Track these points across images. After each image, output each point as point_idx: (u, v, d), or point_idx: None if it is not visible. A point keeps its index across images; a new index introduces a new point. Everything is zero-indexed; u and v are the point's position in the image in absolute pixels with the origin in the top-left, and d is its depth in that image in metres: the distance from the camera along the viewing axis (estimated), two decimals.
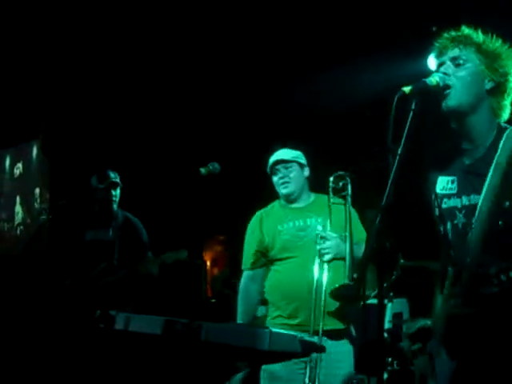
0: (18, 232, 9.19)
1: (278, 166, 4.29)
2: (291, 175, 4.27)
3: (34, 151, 9.02)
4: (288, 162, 4.29)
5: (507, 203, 2.50)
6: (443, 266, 2.65)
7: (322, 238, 4.05)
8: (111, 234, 5.36)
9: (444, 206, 2.67)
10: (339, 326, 4.04)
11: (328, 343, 3.82)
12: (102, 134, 7.88)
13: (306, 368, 3.88)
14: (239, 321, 4.23)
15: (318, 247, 4.03)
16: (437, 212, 2.70)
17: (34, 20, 6.82)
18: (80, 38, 6.97)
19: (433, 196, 2.73)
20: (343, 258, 3.97)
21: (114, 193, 5.39)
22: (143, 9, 6.53)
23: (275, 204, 4.42)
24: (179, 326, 2.60)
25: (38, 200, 8.74)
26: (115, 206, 5.43)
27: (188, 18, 6.62)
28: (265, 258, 4.29)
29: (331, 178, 4.21)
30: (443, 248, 2.67)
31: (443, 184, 2.70)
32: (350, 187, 4.19)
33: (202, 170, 3.86)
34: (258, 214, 4.42)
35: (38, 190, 8.82)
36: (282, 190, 4.28)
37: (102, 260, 5.25)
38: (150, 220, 5.68)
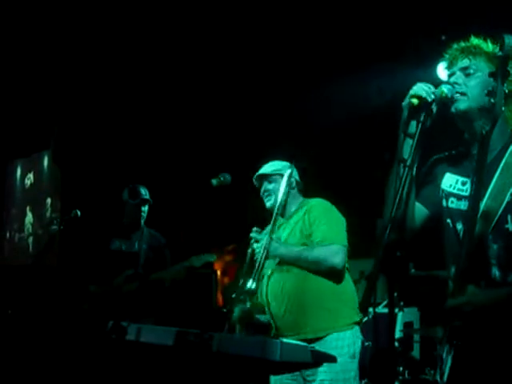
0: (29, 242, 9.23)
1: (262, 181, 4.25)
2: (275, 188, 4.18)
3: (45, 161, 9.07)
4: (269, 176, 4.23)
5: None
6: (450, 261, 2.63)
7: (252, 238, 4.06)
8: (137, 246, 5.47)
9: (451, 205, 2.65)
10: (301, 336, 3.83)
11: None
12: (112, 144, 7.91)
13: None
14: None
15: (254, 247, 4.03)
16: (444, 203, 2.68)
17: (45, 31, 6.87)
18: (91, 48, 7.00)
19: (437, 189, 2.72)
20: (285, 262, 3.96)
21: (143, 209, 5.51)
22: (161, 19, 6.56)
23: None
24: (190, 336, 2.60)
25: (49, 210, 8.78)
26: (142, 222, 5.56)
27: (198, 29, 6.64)
28: None
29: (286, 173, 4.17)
30: (451, 243, 2.64)
31: (451, 182, 2.68)
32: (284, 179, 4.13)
33: (214, 181, 3.88)
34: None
35: (49, 200, 8.87)
36: (267, 205, 4.21)
37: (127, 269, 5.34)
38: (161, 230, 5.71)
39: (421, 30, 6.05)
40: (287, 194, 4.18)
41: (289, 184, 4.18)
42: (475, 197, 2.45)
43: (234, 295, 4.01)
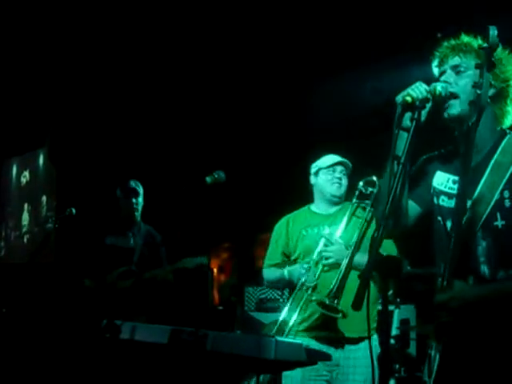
0: (25, 240, 9.21)
1: (338, 167, 4.34)
2: (344, 181, 4.34)
3: (41, 159, 9.04)
4: (347, 169, 4.37)
5: (508, 202, 2.48)
6: (440, 258, 2.62)
7: (326, 239, 4.12)
8: (132, 242, 5.47)
9: (442, 203, 2.65)
10: (352, 334, 4.05)
11: (345, 347, 4.04)
12: (108, 142, 7.90)
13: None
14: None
15: (321, 249, 4.11)
16: (435, 201, 2.68)
17: (39, 30, 6.85)
18: (86, 47, 6.98)
19: (429, 187, 2.71)
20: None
21: (134, 201, 5.51)
22: (155, 16, 6.54)
23: (304, 209, 4.46)
24: (185, 335, 2.60)
25: (45, 208, 8.76)
26: (137, 215, 5.56)
27: (196, 27, 6.63)
28: (287, 260, 4.37)
29: (361, 183, 4.26)
30: (441, 241, 2.62)
31: (442, 180, 2.68)
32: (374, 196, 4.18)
33: (208, 179, 3.87)
34: (285, 217, 4.48)
35: (44, 198, 8.84)
36: (334, 190, 4.31)
37: (121, 265, 5.35)
38: (156, 228, 5.71)
39: (418, 27, 6.04)
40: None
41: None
42: (461, 193, 2.45)
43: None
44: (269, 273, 4.46)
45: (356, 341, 4.04)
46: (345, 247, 4.06)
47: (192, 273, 5.49)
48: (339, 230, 4.17)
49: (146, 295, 5.35)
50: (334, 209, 4.34)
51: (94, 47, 7.02)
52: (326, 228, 4.23)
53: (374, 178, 4.19)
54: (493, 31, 2.37)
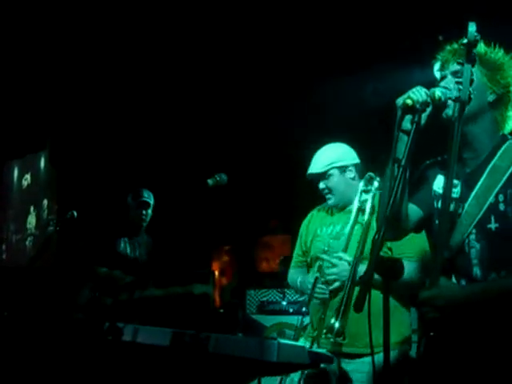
0: (28, 243, 9.22)
1: (314, 179, 3.95)
2: (330, 185, 3.91)
3: (42, 162, 9.05)
4: (323, 175, 3.93)
5: (502, 206, 2.48)
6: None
7: (325, 261, 3.72)
8: (138, 251, 5.51)
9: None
10: (354, 350, 3.65)
11: (344, 361, 3.69)
12: (108, 145, 7.90)
13: None
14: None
15: (326, 272, 3.70)
16: (435, 204, 2.68)
17: (40, 32, 6.86)
18: (89, 50, 6.99)
19: (431, 191, 2.72)
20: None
21: (144, 212, 5.57)
22: (160, 20, 6.56)
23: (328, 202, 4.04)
24: (187, 337, 2.61)
25: (46, 211, 8.77)
26: (144, 225, 5.61)
27: (197, 30, 6.64)
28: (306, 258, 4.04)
29: (361, 183, 3.82)
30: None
31: (442, 184, 2.67)
32: (372, 193, 3.76)
33: (210, 182, 3.87)
34: (312, 210, 4.14)
35: (45, 201, 8.85)
36: (329, 203, 3.94)
37: (127, 274, 5.37)
38: (157, 231, 5.72)
39: (420, 29, 6.04)
40: (348, 184, 3.92)
41: (349, 177, 3.92)
42: (446, 191, 2.46)
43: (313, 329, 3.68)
44: (290, 276, 4.10)
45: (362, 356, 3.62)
46: (348, 264, 3.63)
47: (194, 275, 5.50)
48: (346, 243, 3.73)
49: (144, 311, 5.36)
50: (352, 204, 3.86)
51: (95, 51, 7.03)
52: (336, 229, 3.85)
53: (372, 174, 3.81)
54: (471, 27, 2.40)
